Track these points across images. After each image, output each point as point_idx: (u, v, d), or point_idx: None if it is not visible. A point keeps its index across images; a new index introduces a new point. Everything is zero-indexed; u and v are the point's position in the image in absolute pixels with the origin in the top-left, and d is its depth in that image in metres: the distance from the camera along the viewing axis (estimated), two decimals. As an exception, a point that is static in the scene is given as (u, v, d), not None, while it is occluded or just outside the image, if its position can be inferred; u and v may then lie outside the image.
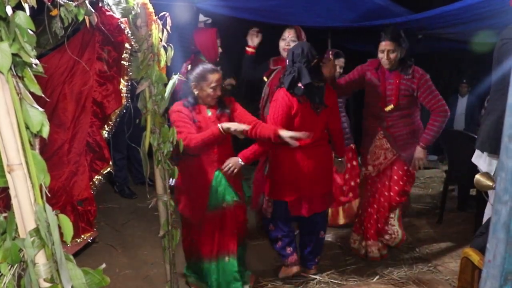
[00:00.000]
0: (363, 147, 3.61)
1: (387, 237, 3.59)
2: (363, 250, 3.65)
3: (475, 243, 2.32)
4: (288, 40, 3.49)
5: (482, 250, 2.18)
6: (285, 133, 2.78)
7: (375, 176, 3.53)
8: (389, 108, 3.33)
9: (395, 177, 3.46)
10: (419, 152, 3.37)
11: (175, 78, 2.58)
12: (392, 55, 3.23)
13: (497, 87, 2.77)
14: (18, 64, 1.16)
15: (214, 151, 2.87)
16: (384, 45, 3.23)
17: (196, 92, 2.83)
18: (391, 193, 3.49)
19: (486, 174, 2.22)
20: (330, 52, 4.17)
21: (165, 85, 2.44)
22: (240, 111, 2.97)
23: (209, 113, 2.87)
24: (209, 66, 2.87)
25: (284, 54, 3.48)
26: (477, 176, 2.22)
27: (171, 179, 2.66)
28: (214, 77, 2.80)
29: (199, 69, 2.84)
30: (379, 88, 3.35)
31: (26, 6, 1.25)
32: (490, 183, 2.18)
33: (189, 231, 3.02)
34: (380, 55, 3.28)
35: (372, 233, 3.60)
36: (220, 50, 3.99)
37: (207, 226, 2.93)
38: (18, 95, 1.15)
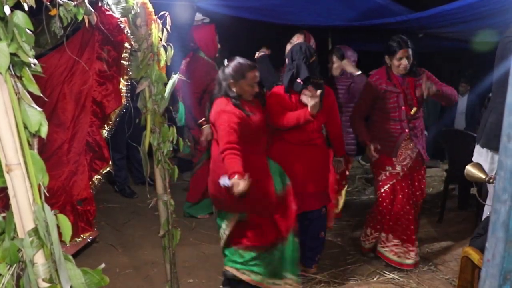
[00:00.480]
0: (382, 150, 3.49)
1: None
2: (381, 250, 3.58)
3: (473, 244, 2.32)
4: None
5: (481, 249, 2.18)
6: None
7: (403, 177, 3.50)
8: (414, 111, 3.43)
9: (420, 177, 3.58)
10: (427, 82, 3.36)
11: (175, 78, 2.58)
12: (410, 60, 3.35)
13: (500, 84, 2.77)
14: (16, 64, 1.16)
15: (264, 140, 2.94)
16: (403, 52, 3.31)
17: (234, 89, 2.79)
18: (419, 192, 3.59)
19: (477, 165, 2.22)
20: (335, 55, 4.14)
21: (165, 84, 2.44)
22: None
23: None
24: (246, 62, 2.83)
25: None
26: (468, 167, 2.21)
27: (224, 179, 2.61)
28: (252, 75, 2.80)
29: (236, 66, 2.80)
30: (400, 94, 3.42)
31: (25, 5, 1.25)
32: (482, 175, 2.18)
33: (249, 223, 2.90)
34: (396, 63, 3.35)
35: (413, 238, 3.49)
36: (219, 46, 4.01)
37: (279, 209, 2.92)
38: (16, 95, 1.15)
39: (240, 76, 2.77)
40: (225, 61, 2.94)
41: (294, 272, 3.01)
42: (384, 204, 3.53)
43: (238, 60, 2.84)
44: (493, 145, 2.83)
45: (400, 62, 3.34)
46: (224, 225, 2.94)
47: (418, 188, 3.58)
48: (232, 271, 2.98)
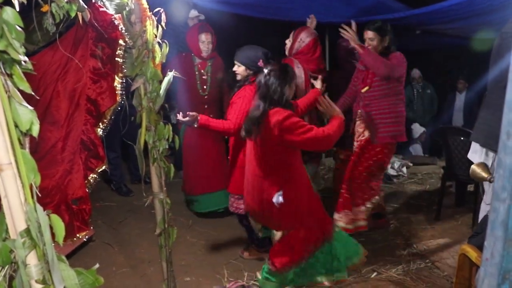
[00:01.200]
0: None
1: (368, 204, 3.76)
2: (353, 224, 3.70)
3: (471, 242, 2.32)
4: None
5: (479, 247, 2.17)
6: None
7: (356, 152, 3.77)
8: (365, 89, 3.69)
9: (367, 155, 3.72)
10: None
11: (170, 75, 2.56)
12: (372, 44, 3.61)
13: (496, 80, 2.75)
14: (6, 62, 1.13)
15: None
16: (365, 34, 3.64)
17: (287, 93, 2.66)
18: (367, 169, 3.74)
19: (483, 165, 2.21)
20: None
21: (160, 82, 2.42)
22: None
23: None
24: (289, 65, 2.85)
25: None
26: (473, 167, 2.22)
27: (277, 197, 2.63)
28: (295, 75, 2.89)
29: (285, 70, 2.69)
30: (362, 72, 3.76)
31: (15, 1, 1.22)
32: (485, 175, 2.17)
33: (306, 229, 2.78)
34: (365, 43, 3.64)
35: (359, 201, 3.73)
36: (208, 46, 3.99)
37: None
38: (6, 93, 1.13)
39: (293, 78, 2.75)
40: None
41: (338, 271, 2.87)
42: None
43: (284, 65, 2.79)
44: (483, 140, 2.82)
45: (368, 43, 3.62)
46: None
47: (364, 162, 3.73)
48: None
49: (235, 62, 3.22)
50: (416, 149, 7.05)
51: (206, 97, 4.19)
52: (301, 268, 2.80)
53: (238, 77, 3.24)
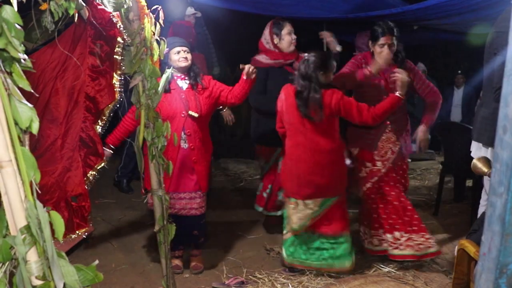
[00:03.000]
0: (361, 144, 3.45)
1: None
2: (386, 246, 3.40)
3: (470, 238, 2.33)
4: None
5: (478, 243, 2.18)
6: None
7: (387, 172, 3.39)
8: None
9: (401, 171, 3.47)
10: (424, 132, 3.41)
11: (168, 72, 2.56)
12: (393, 49, 3.26)
13: (490, 79, 2.75)
14: (5, 60, 1.14)
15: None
16: (385, 39, 3.23)
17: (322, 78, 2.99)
18: (404, 189, 3.47)
19: (484, 159, 2.23)
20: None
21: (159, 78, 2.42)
22: None
23: None
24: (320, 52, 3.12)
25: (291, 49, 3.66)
26: (475, 161, 2.24)
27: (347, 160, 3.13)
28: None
29: (318, 57, 3.00)
30: (381, 81, 3.34)
31: (14, 0, 1.23)
32: (485, 170, 2.19)
33: None
34: (378, 49, 3.28)
35: (423, 226, 3.39)
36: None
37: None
38: (6, 91, 1.13)
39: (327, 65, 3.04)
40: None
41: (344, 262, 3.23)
42: (370, 201, 3.43)
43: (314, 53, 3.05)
44: (485, 139, 2.82)
45: (382, 50, 3.25)
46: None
47: (400, 182, 3.46)
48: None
49: None
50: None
51: None
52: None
53: None
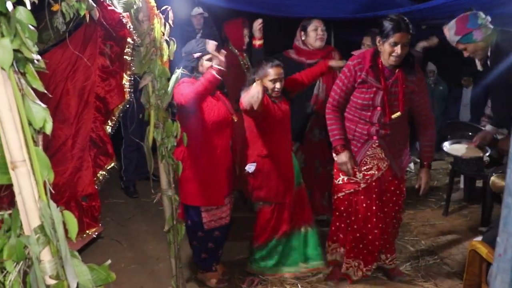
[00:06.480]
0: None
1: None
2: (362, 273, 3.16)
3: (485, 237, 2.30)
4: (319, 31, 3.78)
5: (490, 243, 2.16)
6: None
7: (366, 189, 2.96)
8: (396, 115, 2.81)
9: (392, 188, 3.01)
10: (426, 174, 3.01)
11: (178, 72, 2.57)
12: (406, 49, 2.68)
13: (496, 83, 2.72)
14: (19, 60, 1.14)
15: (288, 127, 3.18)
16: (400, 37, 2.61)
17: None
18: (396, 207, 3.07)
19: (502, 176, 2.20)
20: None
21: (168, 79, 2.43)
22: None
23: None
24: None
25: (317, 44, 3.78)
26: (493, 178, 2.21)
27: (249, 167, 3.03)
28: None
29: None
30: (379, 91, 2.78)
31: (27, 1, 1.23)
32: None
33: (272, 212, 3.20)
34: (388, 48, 2.65)
35: (391, 248, 3.20)
36: (247, 39, 4.07)
37: (294, 202, 3.24)
38: (20, 91, 1.14)
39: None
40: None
41: (313, 259, 3.33)
42: (337, 213, 3.10)
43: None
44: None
45: (394, 49, 2.63)
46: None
47: (390, 200, 3.03)
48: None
49: None
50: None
51: None
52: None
53: None
